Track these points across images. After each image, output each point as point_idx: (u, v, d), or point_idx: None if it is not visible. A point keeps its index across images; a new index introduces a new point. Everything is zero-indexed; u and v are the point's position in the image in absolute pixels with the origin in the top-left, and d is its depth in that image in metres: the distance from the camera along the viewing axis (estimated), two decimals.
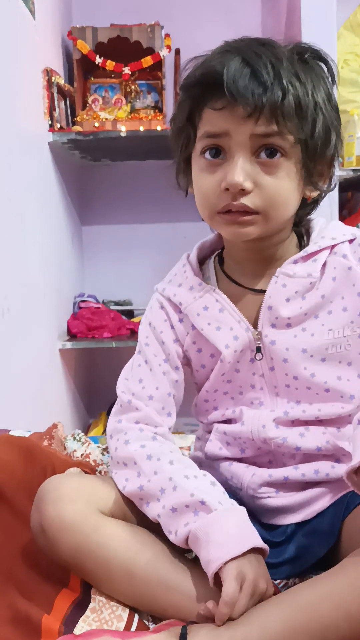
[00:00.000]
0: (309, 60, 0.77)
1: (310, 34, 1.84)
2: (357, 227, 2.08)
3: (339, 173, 1.94)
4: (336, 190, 1.89)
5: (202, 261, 0.92)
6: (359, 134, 1.98)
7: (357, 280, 0.81)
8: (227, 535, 0.69)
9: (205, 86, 0.74)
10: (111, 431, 0.87)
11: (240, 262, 0.87)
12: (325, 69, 0.79)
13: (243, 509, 0.75)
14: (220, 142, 0.76)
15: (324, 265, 0.82)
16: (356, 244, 0.83)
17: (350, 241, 0.83)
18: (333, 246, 0.82)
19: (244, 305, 0.85)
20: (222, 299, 0.85)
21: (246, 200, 0.75)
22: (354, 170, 1.98)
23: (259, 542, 0.71)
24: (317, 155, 0.77)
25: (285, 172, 0.75)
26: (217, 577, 0.69)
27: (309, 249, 0.82)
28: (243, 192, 0.74)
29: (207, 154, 0.77)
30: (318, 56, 0.78)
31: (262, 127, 0.73)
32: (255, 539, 0.71)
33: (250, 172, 0.74)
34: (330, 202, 1.89)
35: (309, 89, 0.74)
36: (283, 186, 0.76)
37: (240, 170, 0.73)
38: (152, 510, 0.77)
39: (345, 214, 2.25)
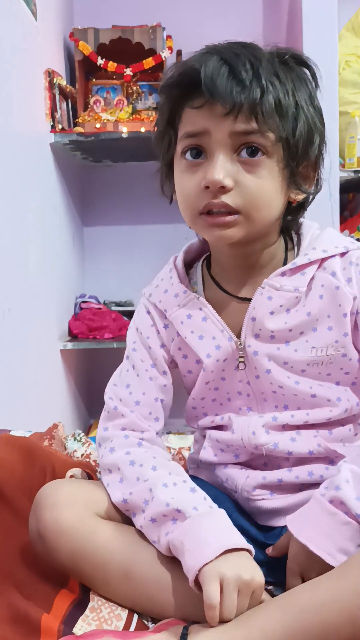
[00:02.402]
0: (290, 62, 0.76)
1: (312, 36, 1.84)
2: (358, 229, 2.09)
3: (340, 174, 1.94)
4: (337, 191, 1.90)
5: (190, 263, 0.91)
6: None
7: (343, 301, 0.79)
8: (199, 542, 0.69)
9: (184, 86, 0.74)
10: (99, 439, 0.88)
11: (226, 268, 0.86)
12: (308, 73, 0.78)
13: (221, 512, 0.74)
14: (200, 142, 0.75)
15: (312, 278, 0.80)
16: (347, 261, 0.80)
17: (342, 254, 0.81)
18: (323, 260, 0.81)
19: (228, 314, 0.84)
20: (205, 308, 0.84)
21: (227, 199, 0.73)
22: (355, 171, 1.98)
23: (236, 543, 0.69)
24: (299, 155, 0.76)
25: (267, 171, 0.74)
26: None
27: (298, 261, 0.80)
28: (223, 189, 0.73)
29: (187, 155, 0.76)
30: (300, 60, 0.78)
31: (242, 124, 0.72)
32: (229, 541, 0.69)
33: (231, 170, 0.73)
34: (332, 203, 1.89)
35: (290, 89, 0.73)
36: (265, 185, 0.74)
37: (220, 167, 0.72)
38: (137, 522, 0.78)
39: (347, 215, 2.25)
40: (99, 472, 1.08)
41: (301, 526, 0.73)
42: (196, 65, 0.72)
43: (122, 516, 0.81)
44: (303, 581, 0.73)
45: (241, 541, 0.70)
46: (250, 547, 0.71)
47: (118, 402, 0.87)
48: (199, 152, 0.76)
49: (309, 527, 0.72)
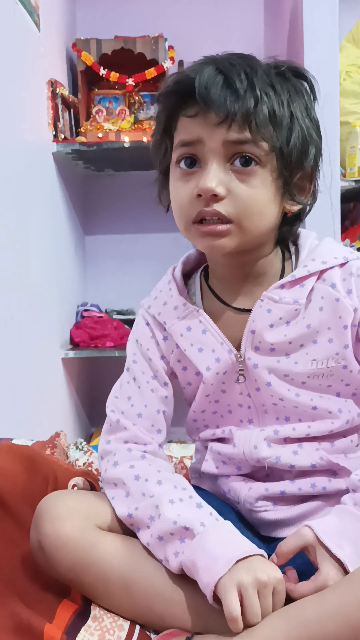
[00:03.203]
0: (287, 73, 0.76)
1: (313, 47, 1.85)
2: (359, 238, 2.09)
3: (341, 184, 1.95)
4: (338, 201, 1.90)
5: (189, 273, 0.91)
6: None
7: (343, 313, 0.79)
8: (210, 559, 0.68)
9: (179, 94, 0.74)
10: (101, 452, 0.87)
11: (222, 279, 0.85)
12: (306, 85, 0.78)
13: (227, 523, 0.74)
14: (194, 151, 0.75)
15: (311, 290, 0.80)
16: (347, 272, 0.80)
17: (342, 265, 0.80)
18: (322, 271, 0.80)
19: (227, 325, 0.84)
20: (205, 321, 0.84)
21: (219, 207, 0.73)
22: (355, 181, 1.99)
23: (246, 551, 0.68)
24: (293, 165, 0.75)
25: (260, 181, 0.74)
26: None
27: (297, 273, 0.80)
28: (216, 198, 0.73)
29: (182, 164, 0.76)
30: (297, 72, 0.78)
31: (235, 134, 0.72)
32: (239, 551, 0.68)
33: (224, 179, 0.73)
34: (333, 212, 1.90)
35: (285, 100, 0.74)
36: (258, 195, 0.74)
37: (213, 176, 0.73)
38: (142, 538, 0.77)
39: (348, 225, 2.26)
40: (101, 482, 1.08)
41: (342, 543, 0.69)
42: (192, 74, 0.72)
43: (124, 528, 0.80)
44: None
45: (250, 548, 0.70)
46: (261, 551, 0.70)
47: (120, 415, 0.87)
48: (193, 161, 0.76)
49: (348, 544, 0.69)
